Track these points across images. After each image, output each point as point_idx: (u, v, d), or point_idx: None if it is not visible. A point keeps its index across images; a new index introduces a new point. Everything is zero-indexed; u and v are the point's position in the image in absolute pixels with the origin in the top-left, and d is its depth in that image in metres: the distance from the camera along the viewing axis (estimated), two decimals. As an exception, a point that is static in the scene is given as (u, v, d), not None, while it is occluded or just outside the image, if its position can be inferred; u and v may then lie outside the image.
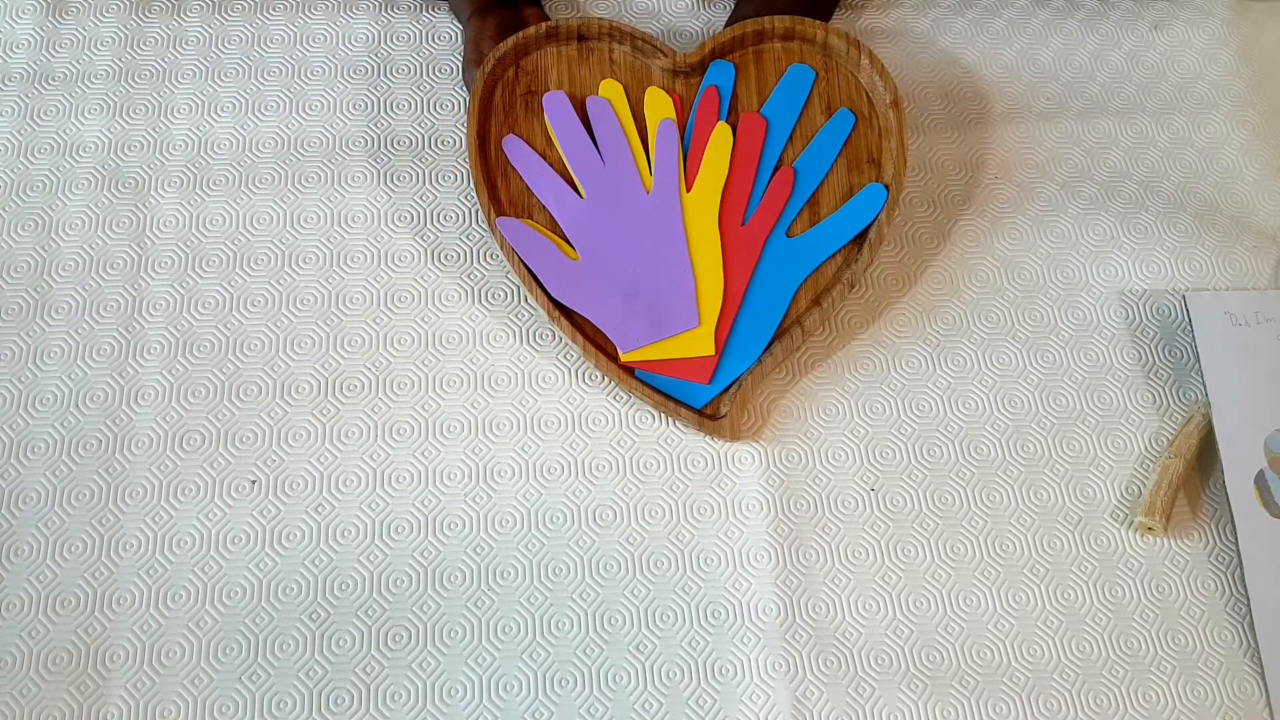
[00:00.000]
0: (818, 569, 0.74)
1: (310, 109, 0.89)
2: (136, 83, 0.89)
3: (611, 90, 0.87)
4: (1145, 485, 0.78)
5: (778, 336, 0.80)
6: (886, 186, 0.84)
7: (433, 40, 0.93)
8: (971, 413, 0.80)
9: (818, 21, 0.88)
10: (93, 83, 0.89)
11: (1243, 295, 0.84)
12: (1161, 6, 0.99)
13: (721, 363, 0.80)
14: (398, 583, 0.73)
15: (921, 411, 0.80)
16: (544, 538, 0.75)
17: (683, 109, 0.87)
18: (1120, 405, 0.81)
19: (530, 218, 0.83)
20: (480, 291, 0.83)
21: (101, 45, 0.91)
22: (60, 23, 0.92)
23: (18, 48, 0.90)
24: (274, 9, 0.93)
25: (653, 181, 0.84)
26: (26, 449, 0.75)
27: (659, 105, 0.87)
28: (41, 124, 0.87)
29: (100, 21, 0.92)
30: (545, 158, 0.85)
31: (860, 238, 0.83)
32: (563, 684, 0.70)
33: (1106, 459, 0.79)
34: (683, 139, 0.86)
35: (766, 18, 0.88)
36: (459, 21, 0.92)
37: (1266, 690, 0.72)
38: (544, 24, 0.87)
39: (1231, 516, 0.76)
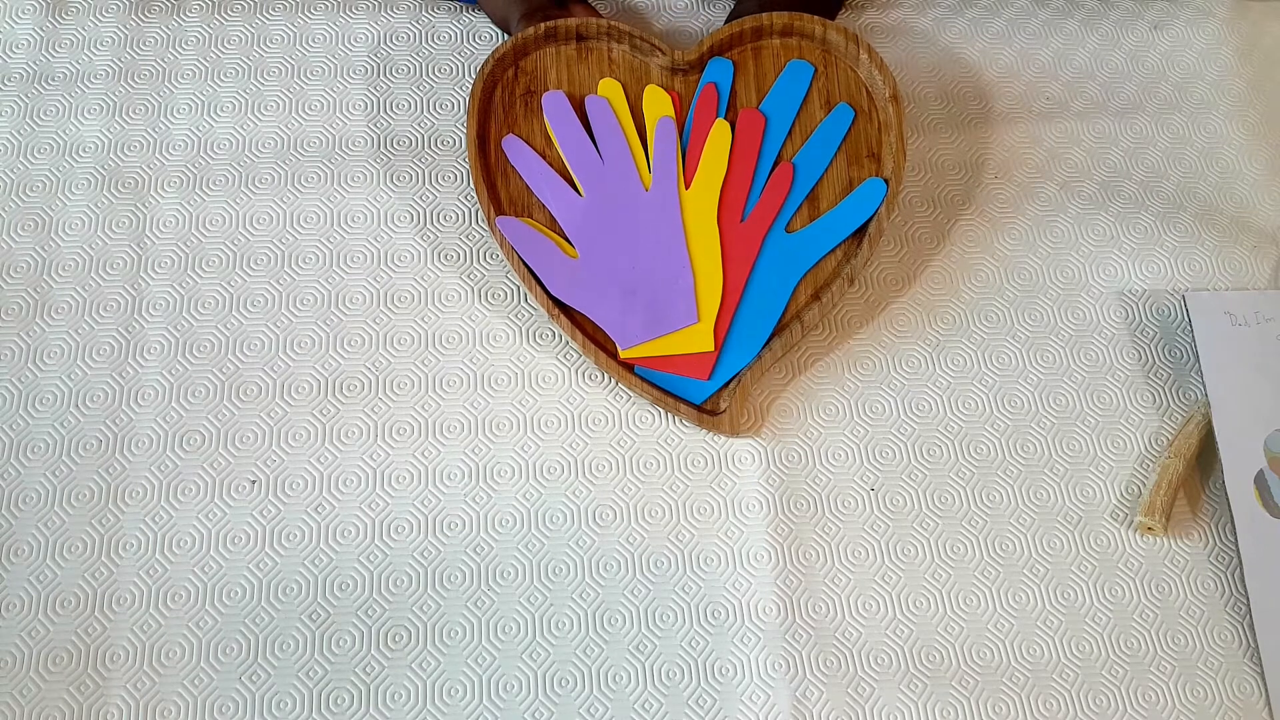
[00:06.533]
0: (818, 569, 0.74)
1: (310, 109, 0.89)
2: (136, 83, 0.89)
3: (610, 89, 0.87)
4: (1145, 485, 0.78)
5: (777, 332, 0.80)
6: (886, 181, 0.84)
7: (433, 40, 0.93)
8: (971, 413, 0.80)
9: (816, 17, 0.88)
10: (93, 83, 0.89)
11: (1243, 295, 0.84)
12: (1161, 6, 0.99)
13: (721, 358, 0.80)
14: (398, 583, 0.73)
15: (921, 411, 0.80)
16: (544, 538, 0.75)
17: (681, 106, 0.87)
18: (1120, 405, 0.81)
19: (530, 216, 0.83)
20: (480, 291, 0.83)
21: (101, 45, 0.91)
22: (60, 23, 0.92)
23: (18, 48, 0.90)
24: (274, 9, 0.93)
25: (652, 179, 0.84)
26: (26, 449, 0.75)
27: (657, 103, 0.87)
28: (41, 124, 0.87)
29: (100, 21, 0.92)
30: (545, 157, 0.85)
31: (860, 233, 0.83)
32: (563, 684, 0.70)
33: (1106, 459, 0.79)
34: (681, 136, 0.86)
35: (765, 14, 0.88)
36: (505, 29, 0.92)
37: (1266, 690, 0.72)
38: (543, 24, 0.87)
39: (1231, 516, 0.76)
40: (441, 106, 0.90)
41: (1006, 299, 0.85)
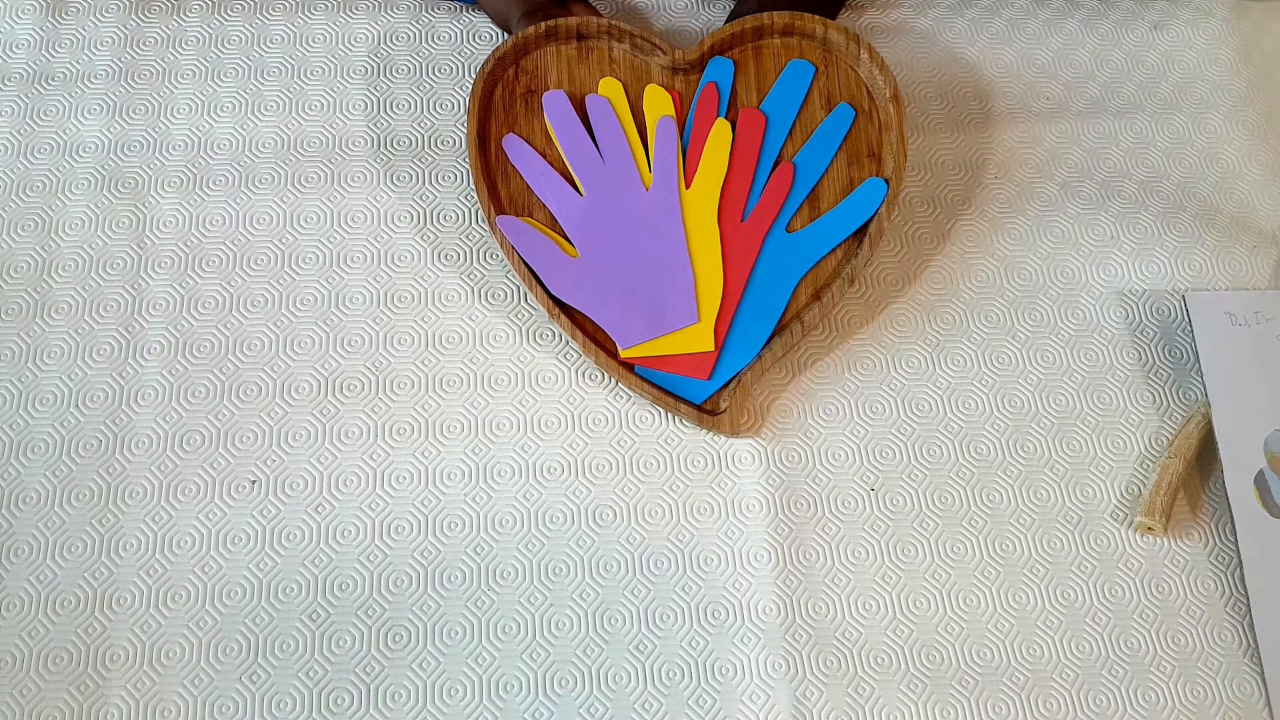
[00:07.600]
0: (818, 569, 0.74)
1: (310, 109, 0.89)
2: (136, 83, 0.89)
3: (611, 88, 0.87)
4: (1145, 485, 0.78)
5: (777, 332, 0.80)
6: (886, 181, 0.84)
7: (433, 40, 0.93)
8: (971, 413, 0.80)
9: (816, 16, 0.88)
10: (93, 83, 0.89)
11: (1243, 295, 0.84)
12: (1161, 6, 0.99)
13: (721, 358, 0.80)
14: (398, 583, 0.73)
15: (921, 411, 0.80)
16: (544, 538, 0.75)
17: (682, 106, 0.87)
18: (1120, 405, 0.81)
19: (530, 216, 0.83)
20: (480, 291, 0.83)
21: (101, 45, 0.91)
22: (60, 23, 0.92)
23: (18, 48, 0.90)
24: (274, 9, 0.93)
25: (652, 179, 0.84)
26: (26, 449, 0.75)
27: (658, 102, 0.87)
28: (41, 124, 0.87)
29: (100, 21, 0.92)
30: (545, 156, 0.85)
31: (860, 233, 0.83)
32: (563, 684, 0.70)
33: (1106, 459, 0.79)
34: (682, 136, 0.86)
35: (766, 13, 0.88)
36: (506, 28, 0.92)
37: (1266, 690, 0.72)
38: (543, 23, 0.87)
39: (1231, 516, 0.76)
40: (441, 106, 0.90)
41: (1006, 299, 0.85)
